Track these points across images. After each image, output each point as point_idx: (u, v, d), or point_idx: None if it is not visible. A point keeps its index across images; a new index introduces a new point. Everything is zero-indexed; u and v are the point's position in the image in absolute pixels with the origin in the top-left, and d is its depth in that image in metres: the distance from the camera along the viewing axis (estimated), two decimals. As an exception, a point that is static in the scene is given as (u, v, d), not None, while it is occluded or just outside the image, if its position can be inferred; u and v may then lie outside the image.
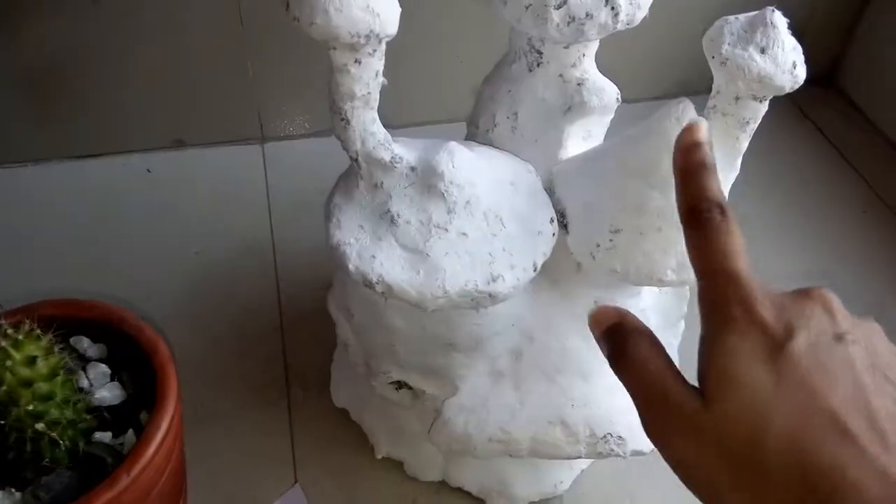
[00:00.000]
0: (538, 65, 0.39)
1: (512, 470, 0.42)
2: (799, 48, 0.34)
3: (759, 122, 0.36)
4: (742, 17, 0.34)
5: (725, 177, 0.37)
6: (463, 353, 0.38)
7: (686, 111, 0.34)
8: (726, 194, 0.38)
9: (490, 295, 0.34)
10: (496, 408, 0.37)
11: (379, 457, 0.44)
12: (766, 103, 0.35)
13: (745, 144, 0.36)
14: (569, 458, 0.37)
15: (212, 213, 0.58)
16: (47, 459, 0.30)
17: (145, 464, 0.30)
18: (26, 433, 0.29)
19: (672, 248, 0.35)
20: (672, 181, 0.29)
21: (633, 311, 0.38)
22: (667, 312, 0.44)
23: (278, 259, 0.55)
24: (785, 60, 0.33)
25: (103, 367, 0.34)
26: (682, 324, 0.46)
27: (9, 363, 0.27)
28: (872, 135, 0.70)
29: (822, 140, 0.70)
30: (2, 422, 0.29)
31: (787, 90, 0.33)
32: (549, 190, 0.39)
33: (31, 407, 0.28)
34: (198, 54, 0.58)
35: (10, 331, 0.28)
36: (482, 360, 0.38)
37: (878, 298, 0.56)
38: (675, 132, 0.32)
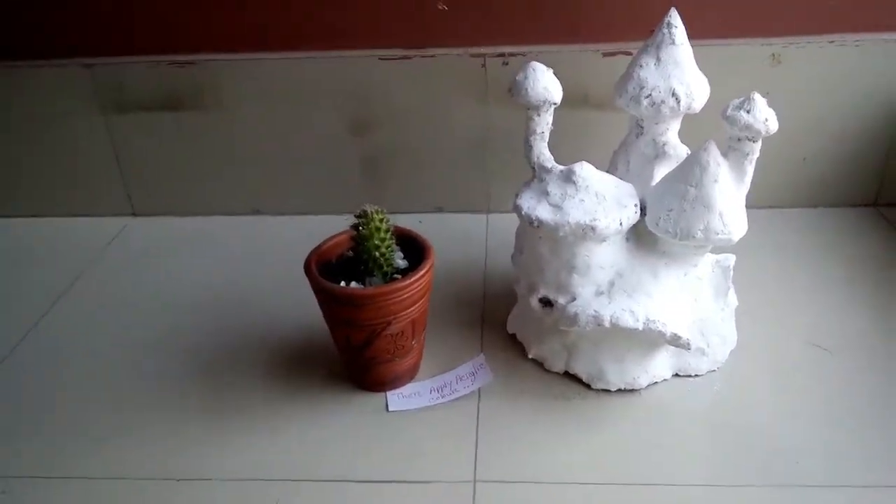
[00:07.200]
0: (641, 134, 0.71)
1: (607, 365, 0.68)
2: (772, 112, 0.62)
3: (756, 154, 0.64)
4: (739, 98, 0.63)
5: (739, 188, 0.65)
6: (579, 274, 0.67)
7: (711, 146, 0.64)
8: (742, 202, 0.65)
9: (592, 228, 0.64)
10: (595, 304, 0.66)
11: (529, 356, 0.73)
12: (759, 142, 0.63)
13: (749, 168, 0.64)
14: (633, 330, 0.63)
15: (456, 244, 0.95)
16: (375, 273, 0.65)
17: (414, 281, 0.64)
18: (371, 255, 0.65)
19: (700, 220, 0.63)
20: (700, 181, 0.59)
21: (691, 276, 0.68)
22: (717, 285, 0.69)
23: (487, 267, 0.90)
24: (760, 116, 0.61)
25: (399, 251, 0.69)
26: (733, 295, 0.71)
27: (374, 217, 0.64)
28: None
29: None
30: (365, 244, 0.65)
31: (764, 134, 0.62)
32: (643, 201, 0.69)
33: (376, 241, 0.64)
34: (458, 154, 0.98)
35: (374, 208, 0.65)
36: (590, 283, 0.68)
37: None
38: (703, 156, 0.63)
